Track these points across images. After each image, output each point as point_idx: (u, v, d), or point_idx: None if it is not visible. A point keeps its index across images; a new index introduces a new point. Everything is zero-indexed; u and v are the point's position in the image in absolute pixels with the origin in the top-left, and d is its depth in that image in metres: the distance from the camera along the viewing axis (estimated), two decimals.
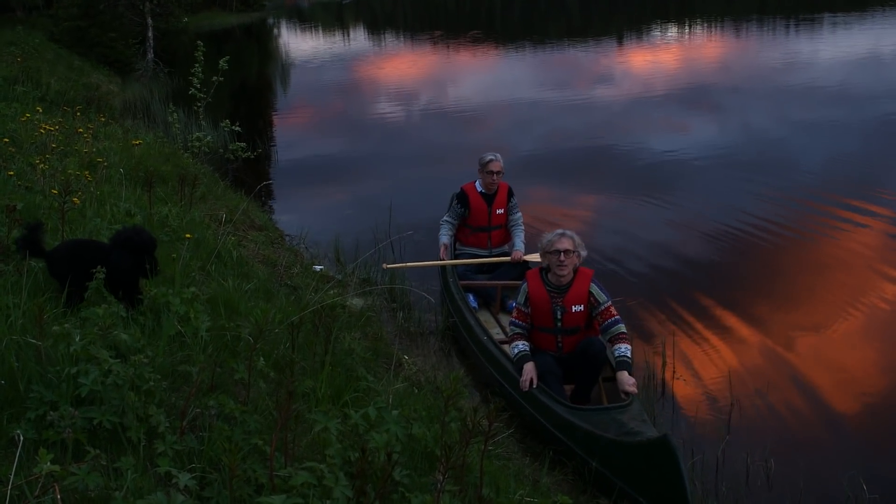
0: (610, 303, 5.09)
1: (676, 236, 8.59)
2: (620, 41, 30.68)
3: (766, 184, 10.20)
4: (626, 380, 4.77)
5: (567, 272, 5.09)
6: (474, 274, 6.91)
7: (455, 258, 7.05)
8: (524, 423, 5.01)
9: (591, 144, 13.34)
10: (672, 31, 33.18)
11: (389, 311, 6.80)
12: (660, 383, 5.64)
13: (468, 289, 6.69)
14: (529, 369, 5.00)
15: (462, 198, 7.01)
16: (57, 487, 2.20)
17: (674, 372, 5.75)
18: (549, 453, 4.57)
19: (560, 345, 5.20)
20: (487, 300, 6.78)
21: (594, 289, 5.10)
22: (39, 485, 2.22)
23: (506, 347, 5.45)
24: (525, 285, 5.28)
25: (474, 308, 6.55)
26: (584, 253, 5.18)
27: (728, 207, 9.33)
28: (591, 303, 5.10)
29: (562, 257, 5.05)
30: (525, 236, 7.06)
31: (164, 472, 2.47)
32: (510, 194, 7.06)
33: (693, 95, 17.51)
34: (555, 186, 10.67)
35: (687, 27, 34.07)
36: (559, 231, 5.16)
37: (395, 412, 2.98)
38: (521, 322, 5.28)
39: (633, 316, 6.42)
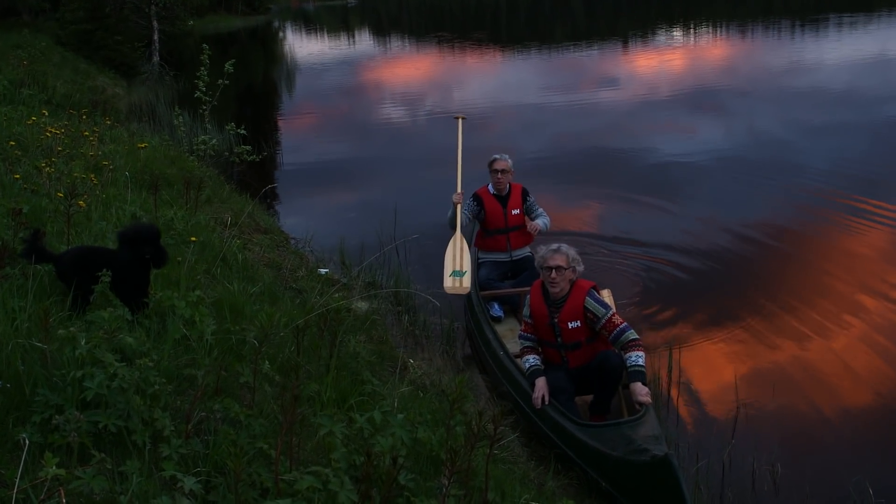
0: (611, 313, 4.93)
1: (682, 240, 8.55)
2: (626, 44, 30.66)
3: (772, 187, 10.18)
4: (640, 390, 4.64)
5: (559, 289, 4.99)
6: (497, 282, 6.81)
7: (478, 266, 6.93)
8: (534, 433, 4.98)
9: (597, 147, 13.32)
10: (677, 33, 33.12)
11: (395, 314, 6.79)
12: (665, 388, 5.62)
13: (492, 298, 6.63)
14: (541, 386, 4.93)
15: (476, 198, 6.97)
16: (62, 491, 2.20)
17: (679, 376, 5.73)
18: (552, 456, 4.56)
19: (565, 359, 5.10)
20: (513, 307, 6.69)
21: (590, 303, 4.93)
22: (45, 488, 2.22)
23: (521, 362, 5.38)
24: (528, 297, 5.25)
25: (500, 317, 6.52)
26: (580, 268, 5.04)
27: (734, 211, 9.31)
28: (588, 318, 4.94)
29: (553, 275, 4.94)
30: (548, 222, 6.95)
31: (169, 476, 2.47)
32: (525, 194, 6.97)
33: (699, 98, 17.46)
34: (561, 189, 10.64)
35: (692, 30, 34.02)
36: (554, 246, 5.04)
37: (400, 416, 2.98)
38: (528, 334, 5.23)
39: (637, 320, 6.41)
